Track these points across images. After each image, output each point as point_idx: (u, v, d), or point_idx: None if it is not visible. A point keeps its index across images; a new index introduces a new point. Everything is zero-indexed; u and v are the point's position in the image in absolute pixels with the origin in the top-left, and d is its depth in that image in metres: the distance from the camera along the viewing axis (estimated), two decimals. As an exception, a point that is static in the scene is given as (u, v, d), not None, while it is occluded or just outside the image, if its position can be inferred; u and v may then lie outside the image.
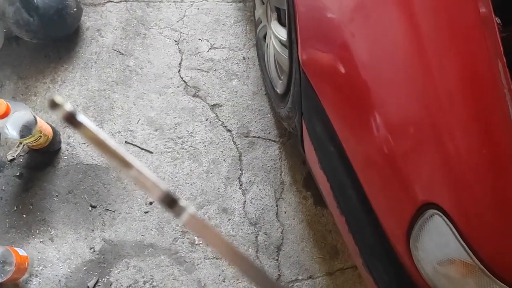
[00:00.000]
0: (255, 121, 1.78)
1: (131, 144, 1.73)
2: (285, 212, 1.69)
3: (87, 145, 1.71)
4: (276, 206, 1.70)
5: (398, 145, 0.88)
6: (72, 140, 1.72)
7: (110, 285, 1.58)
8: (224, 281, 1.61)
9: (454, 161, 0.79)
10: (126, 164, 0.29)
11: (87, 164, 1.69)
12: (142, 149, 1.72)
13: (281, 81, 1.53)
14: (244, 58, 1.87)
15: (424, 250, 0.87)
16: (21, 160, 1.68)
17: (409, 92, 0.84)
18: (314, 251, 1.66)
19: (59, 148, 1.69)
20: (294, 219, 1.69)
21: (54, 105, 0.31)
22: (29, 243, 1.60)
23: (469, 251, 0.78)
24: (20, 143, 1.62)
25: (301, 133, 1.29)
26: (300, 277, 1.63)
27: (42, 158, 1.68)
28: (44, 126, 1.57)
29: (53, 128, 1.65)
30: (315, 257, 1.65)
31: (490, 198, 0.76)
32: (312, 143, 1.18)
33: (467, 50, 0.76)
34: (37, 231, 1.61)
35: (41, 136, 1.54)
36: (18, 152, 1.65)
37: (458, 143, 0.78)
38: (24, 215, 1.63)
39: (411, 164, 0.86)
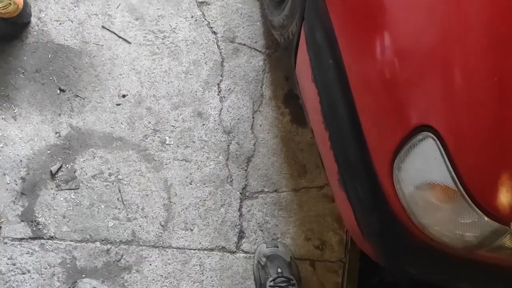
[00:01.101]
0: (243, 27, 1.70)
1: (108, 30, 1.61)
2: (260, 125, 1.67)
3: (60, 23, 1.58)
4: (252, 118, 1.67)
5: (404, 68, 0.86)
6: (43, 15, 1.58)
7: (75, 172, 1.54)
8: (191, 184, 1.60)
9: (461, 87, 0.77)
10: None
11: (59, 44, 1.57)
12: (120, 37, 1.61)
13: (279, -14, 1.43)
14: (240, -43, 1.73)
15: (407, 171, 0.88)
16: (-15, 28, 1.53)
17: (427, 16, 0.81)
18: (283, 167, 1.67)
19: (29, 22, 1.55)
20: (268, 133, 1.68)
21: None
22: (-11, 118, 1.51)
23: (455, 176, 0.79)
24: (-15, 9, 1.47)
25: (296, 43, 1.24)
26: (266, 189, 1.65)
27: (9, 29, 1.54)
28: (14, -7, 1.42)
29: (23, -1, 1.50)
30: (283, 173, 1.66)
31: (489, 127, 0.75)
32: (309, 54, 1.13)
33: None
34: (0, 107, 1.52)
35: (10, 4, 1.40)
36: (-18, 18, 1.50)
37: (470, 69, 0.76)
38: (-14, 88, 1.52)
39: (413, 88, 0.84)
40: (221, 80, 1.66)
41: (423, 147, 0.83)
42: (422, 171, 0.85)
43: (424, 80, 0.83)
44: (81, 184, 1.54)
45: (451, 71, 0.78)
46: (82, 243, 1.53)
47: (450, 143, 0.78)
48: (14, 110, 1.53)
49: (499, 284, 0.94)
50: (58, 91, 1.56)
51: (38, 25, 1.57)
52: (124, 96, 1.60)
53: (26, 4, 1.51)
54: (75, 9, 1.61)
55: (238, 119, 1.66)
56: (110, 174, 1.57)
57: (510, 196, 0.74)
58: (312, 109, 1.20)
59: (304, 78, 1.21)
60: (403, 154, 0.87)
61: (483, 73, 0.74)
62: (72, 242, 1.52)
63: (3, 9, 1.40)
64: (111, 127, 1.58)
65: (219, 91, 1.66)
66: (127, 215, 1.56)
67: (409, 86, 0.85)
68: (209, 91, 1.65)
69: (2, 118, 1.52)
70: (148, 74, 1.62)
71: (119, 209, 1.55)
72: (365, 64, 0.94)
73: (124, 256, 1.54)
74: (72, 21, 1.60)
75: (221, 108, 1.65)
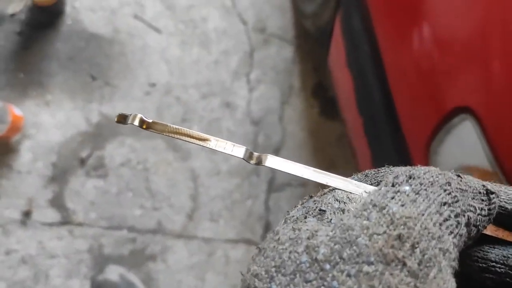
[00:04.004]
0: (273, 18, 1.68)
1: (140, 19, 1.62)
2: (289, 117, 1.65)
3: (93, 12, 1.60)
4: (281, 109, 1.66)
5: (442, 54, 0.85)
6: (78, 4, 1.60)
7: (104, 159, 1.55)
8: (218, 175, 1.59)
9: (499, 70, 0.76)
10: (205, 138, 0.30)
11: (91, 33, 1.60)
12: (151, 26, 1.62)
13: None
14: None
15: (444, 155, 0.85)
16: (22, 16, 1.56)
17: (467, 5, 0.81)
18: (311, 160, 1.65)
19: (64, 10, 1.57)
20: (296, 125, 1.66)
21: (122, 118, 0.30)
22: (24, 104, 1.54)
23: (493, 159, 0.76)
24: (23, -4, 1.51)
25: (331, 30, 1.22)
26: (293, 183, 1.62)
27: (45, 17, 1.57)
28: (50, -19, 1.45)
29: (59, -13, 1.53)
30: (311, 166, 1.63)
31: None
32: (344, 40, 1.11)
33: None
34: (34, 93, 1.55)
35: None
36: (21, 6, 1.53)
37: (508, 52, 0.75)
38: (22, 75, 1.55)
39: (451, 72, 0.83)
40: (250, 71, 1.65)
41: (461, 130, 0.81)
42: (460, 154, 0.83)
43: (462, 65, 0.82)
44: (109, 172, 1.55)
45: (491, 55, 0.77)
46: (110, 230, 1.54)
47: (489, 125, 0.76)
48: (47, 96, 1.56)
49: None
50: (90, 79, 1.58)
51: (72, 14, 1.60)
52: (153, 85, 1.61)
53: (61, -7, 1.54)
54: (108, -2, 1.63)
55: (266, 110, 1.64)
56: (138, 163, 1.57)
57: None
58: (345, 96, 1.18)
59: (338, 65, 1.19)
60: (440, 137, 0.84)
61: None
62: (100, 229, 1.53)
63: (39, -4, 1.43)
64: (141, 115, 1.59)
65: (248, 82, 1.65)
66: (154, 204, 1.56)
67: (447, 70, 0.84)
68: (238, 82, 1.64)
69: (36, 104, 1.54)
70: (178, 63, 1.62)
71: (146, 197, 1.56)
72: (403, 50, 0.93)
73: (149, 245, 1.54)
74: (105, 10, 1.62)
75: (250, 99, 1.64)
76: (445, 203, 0.24)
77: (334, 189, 0.29)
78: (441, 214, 0.23)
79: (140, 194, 1.56)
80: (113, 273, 1.49)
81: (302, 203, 0.29)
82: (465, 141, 0.81)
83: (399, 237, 0.22)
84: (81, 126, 1.56)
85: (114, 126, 1.57)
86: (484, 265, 0.27)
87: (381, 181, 0.29)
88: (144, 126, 0.30)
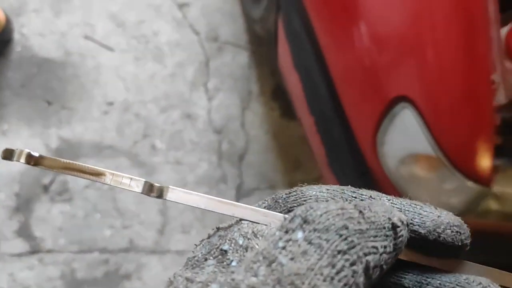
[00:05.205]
0: (225, 25, 1.70)
1: (91, 39, 1.61)
2: (251, 122, 1.66)
3: (42, 37, 1.58)
4: (242, 115, 1.67)
5: (379, 48, 0.88)
6: (26, 30, 1.59)
7: (67, 183, 1.53)
8: (185, 186, 1.59)
9: (432, 59, 0.80)
10: (99, 173, 0.28)
11: (43, 58, 1.58)
12: (103, 45, 1.61)
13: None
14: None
15: (390, 144, 0.87)
16: (-32, 47, 1.54)
17: (402, 6, 0.85)
18: (277, 162, 1.66)
19: (11, 37, 1.55)
20: (259, 129, 1.67)
21: (9, 154, 0.28)
22: (-21, 136, 1.51)
23: (434, 144, 0.79)
24: (-33, 28, 1.48)
25: (276, 33, 1.24)
26: (262, 186, 1.63)
27: (-8, 47, 1.55)
28: (-7, 10, 1.43)
29: (6, 15, 1.51)
30: (278, 168, 1.65)
31: (461, 94, 0.76)
32: (288, 42, 1.13)
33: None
34: (-12, 124, 1.52)
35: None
36: (-36, 37, 1.51)
37: (439, 43, 0.78)
38: (-27, 107, 1.53)
39: (389, 64, 0.87)
40: (207, 80, 1.66)
41: (402, 118, 0.83)
42: (404, 143, 0.85)
43: (398, 57, 0.85)
44: (74, 195, 1.54)
45: (423, 46, 0.81)
46: (81, 254, 1.52)
47: (426, 111, 0.79)
48: (3, 126, 1.53)
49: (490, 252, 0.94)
50: (46, 104, 1.56)
51: (21, 41, 1.58)
52: (111, 103, 1.60)
53: (8, 21, 1.52)
54: (56, 21, 1.62)
55: (227, 117, 1.65)
56: (103, 183, 1.56)
57: (488, 158, 0.74)
58: (297, 97, 1.19)
59: (286, 66, 1.21)
60: (384, 127, 0.87)
61: (451, 45, 0.76)
62: (71, 254, 1.51)
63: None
64: (100, 135, 1.58)
65: (207, 91, 1.66)
66: (123, 222, 1.55)
67: (385, 63, 0.87)
68: (196, 92, 1.65)
69: (-9, 135, 1.52)
70: (134, 79, 1.62)
71: (114, 217, 1.54)
72: (343, 48, 0.96)
73: (123, 265, 1.52)
74: (54, 34, 1.61)
75: (210, 108, 1.65)
76: (339, 252, 0.22)
77: (241, 219, 0.28)
78: (333, 266, 0.22)
79: (109, 214, 1.55)
80: (88, 297, 1.47)
81: (209, 236, 0.28)
82: (407, 129, 0.83)
83: None
84: (41, 153, 1.53)
85: (75, 149, 1.56)
86: None
87: (291, 207, 0.28)
88: (32, 163, 0.28)
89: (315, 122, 1.09)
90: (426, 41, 0.81)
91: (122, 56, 1.62)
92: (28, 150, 0.28)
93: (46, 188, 1.52)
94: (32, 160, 0.28)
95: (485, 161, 0.73)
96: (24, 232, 1.52)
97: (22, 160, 0.28)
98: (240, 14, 1.70)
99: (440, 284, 0.26)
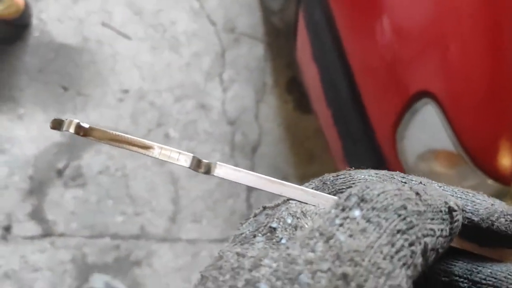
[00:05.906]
0: (242, 17, 1.69)
1: (108, 26, 1.62)
2: (265, 114, 1.66)
3: (60, 23, 1.59)
4: (256, 107, 1.67)
5: (402, 42, 0.87)
6: (44, 16, 1.59)
7: (81, 168, 1.55)
8: (197, 176, 1.60)
9: (456, 54, 0.79)
10: (148, 146, 0.28)
11: (60, 43, 1.59)
12: (120, 33, 1.62)
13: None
14: None
15: (410, 140, 0.87)
16: (-13, 31, 1.55)
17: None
18: (290, 155, 1.66)
19: (30, 23, 1.56)
20: (273, 122, 1.67)
21: (58, 124, 0.28)
22: (-5, 119, 1.53)
23: (456, 140, 0.78)
24: (-13, 11, 1.49)
25: (295, 24, 1.23)
26: (274, 177, 1.63)
27: (11, 31, 1.56)
28: (14, -6, 1.44)
29: (25, 0, 1.51)
30: (291, 161, 1.65)
31: (485, 90, 0.75)
32: (308, 34, 1.13)
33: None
34: (5, 108, 1.53)
35: (12, 5, 1.41)
36: (-16, 21, 1.52)
37: (464, 38, 0.77)
38: (-10, 90, 1.54)
39: (412, 58, 0.86)
40: (223, 71, 1.66)
41: (424, 114, 0.83)
42: (425, 138, 0.85)
43: (421, 51, 0.84)
44: (88, 181, 1.55)
45: (447, 41, 0.80)
46: (92, 239, 1.53)
47: (449, 107, 0.78)
48: (19, 110, 1.54)
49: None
50: (62, 90, 1.57)
51: (39, 26, 1.58)
52: (126, 91, 1.61)
53: (27, 5, 1.53)
54: (74, 7, 1.62)
55: (241, 109, 1.65)
56: (116, 170, 1.57)
57: (509, 157, 0.73)
58: (314, 89, 1.19)
59: (305, 58, 1.20)
60: (405, 122, 0.86)
61: (476, 40, 0.75)
62: (82, 239, 1.53)
63: (4, 9, 1.41)
64: (115, 123, 1.58)
65: (222, 82, 1.66)
66: (135, 209, 1.56)
67: (407, 57, 0.86)
68: (211, 83, 1.65)
69: (8, 119, 1.53)
70: (150, 68, 1.62)
71: (126, 204, 1.56)
72: (364, 40, 0.95)
73: (134, 251, 1.54)
74: (72, 20, 1.62)
75: (224, 99, 1.65)
76: (398, 231, 0.22)
77: (289, 199, 0.27)
78: (393, 245, 0.21)
79: (121, 201, 1.56)
80: (98, 281, 1.48)
81: (255, 215, 0.27)
82: (429, 124, 0.83)
83: (344, 276, 0.20)
84: (55, 138, 1.55)
85: (89, 135, 1.57)
86: (447, 279, 0.26)
87: (339, 189, 0.28)
88: (81, 133, 0.28)
89: (332, 115, 1.08)
90: (451, 35, 0.80)
91: (138, 45, 1.62)
92: (78, 120, 0.27)
93: (60, 173, 1.54)
94: (81, 131, 0.27)
95: (506, 160, 0.73)
96: (37, 215, 1.53)
97: (72, 130, 0.27)
98: (257, 6, 1.70)
99: (491, 273, 0.25)
